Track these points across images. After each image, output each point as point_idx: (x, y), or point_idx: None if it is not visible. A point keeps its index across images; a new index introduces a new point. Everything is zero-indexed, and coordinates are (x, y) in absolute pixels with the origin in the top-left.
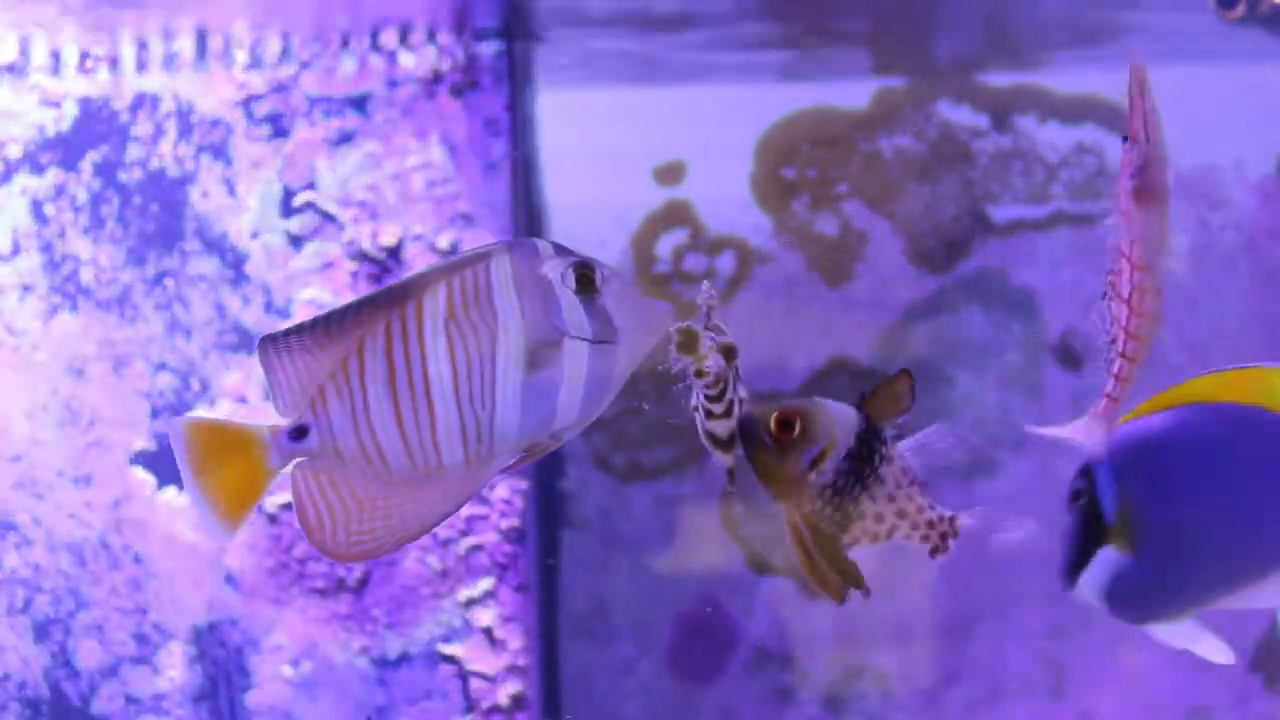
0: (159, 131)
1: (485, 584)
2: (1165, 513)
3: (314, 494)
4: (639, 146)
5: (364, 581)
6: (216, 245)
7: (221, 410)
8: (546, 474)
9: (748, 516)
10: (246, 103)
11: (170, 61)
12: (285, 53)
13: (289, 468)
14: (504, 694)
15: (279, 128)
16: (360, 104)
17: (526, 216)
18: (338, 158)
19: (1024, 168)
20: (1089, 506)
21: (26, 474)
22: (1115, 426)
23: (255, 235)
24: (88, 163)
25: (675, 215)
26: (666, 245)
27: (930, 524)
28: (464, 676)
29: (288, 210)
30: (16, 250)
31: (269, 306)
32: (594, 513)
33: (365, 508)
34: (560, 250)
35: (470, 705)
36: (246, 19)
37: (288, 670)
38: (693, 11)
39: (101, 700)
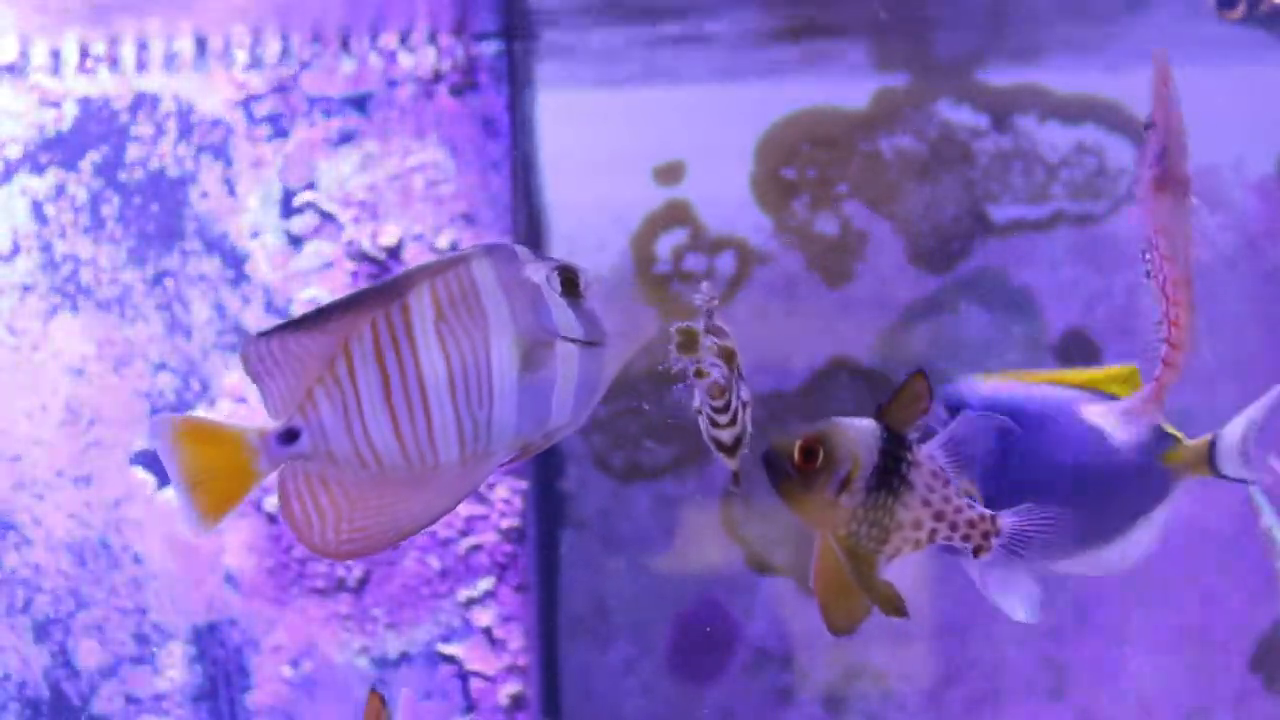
0: (159, 131)
1: (485, 584)
2: (999, 475)
3: (302, 492)
4: (639, 146)
5: (364, 581)
6: (216, 245)
7: (221, 410)
8: (546, 474)
9: (748, 517)
10: (246, 103)
11: (170, 61)
12: (285, 53)
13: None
14: (504, 694)
15: (279, 128)
16: (360, 104)
17: (526, 216)
18: (338, 158)
19: (1024, 168)
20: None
21: (26, 474)
22: (1162, 412)
23: (255, 235)
24: (88, 163)
25: (675, 215)
26: (666, 245)
27: (970, 523)
28: (464, 676)
29: (288, 210)
30: (16, 250)
31: (269, 306)
32: (594, 513)
33: (357, 506)
34: (536, 253)
35: (470, 705)
36: (246, 19)
37: (288, 670)
38: (693, 11)
39: (101, 700)
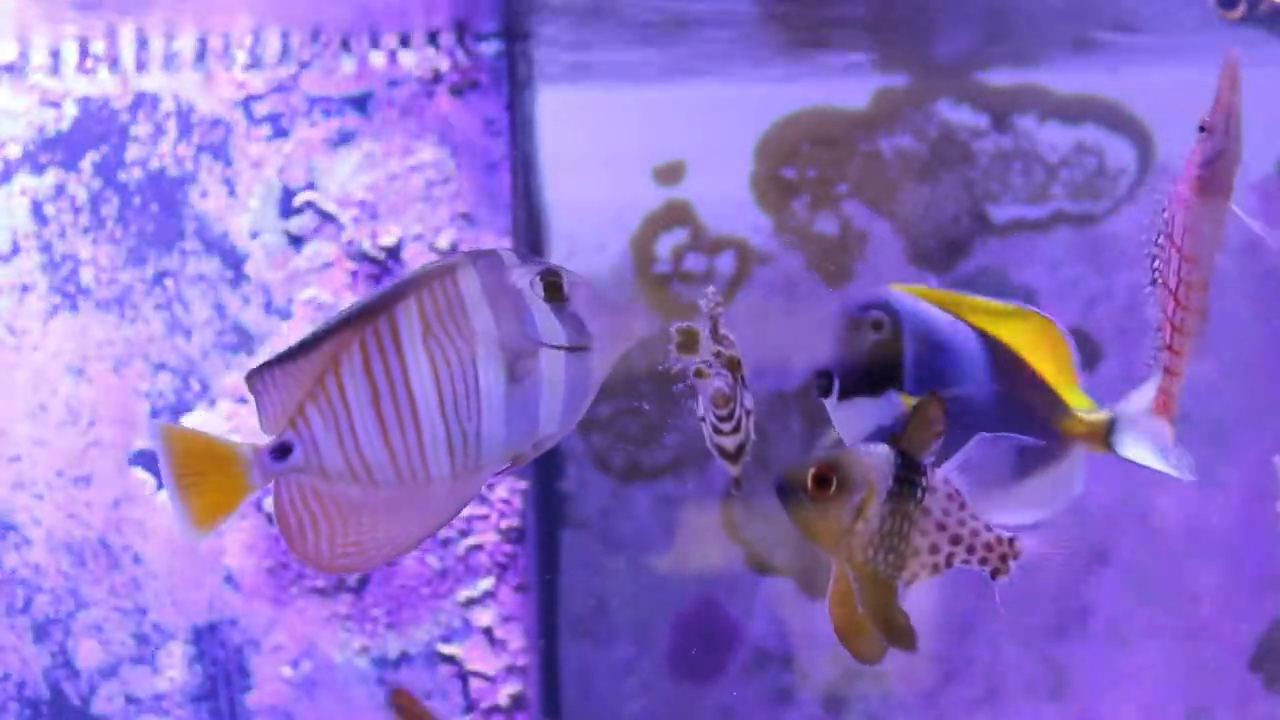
0: (159, 131)
1: (485, 584)
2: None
3: (297, 506)
4: (639, 146)
5: (364, 581)
6: (216, 245)
7: (222, 410)
8: (546, 474)
9: (748, 517)
10: (246, 103)
11: (170, 61)
12: (285, 53)
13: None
14: (504, 694)
15: (279, 128)
16: (360, 104)
17: (526, 216)
18: (338, 158)
19: (1024, 168)
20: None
21: (26, 474)
22: (1171, 419)
23: (255, 235)
24: (88, 163)
25: (675, 215)
26: (666, 245)
27: (988, 546)
28: (464, 676)
29: (288, 210)
30: (16, 250)
31: (269, 306)
32: (594, 513)
33: (351, 521)
34: (523, 257)
35: (470, 705)
36: (247, 19)
37: (288, 670)
38: (693, 11)
39: (101, 700)
